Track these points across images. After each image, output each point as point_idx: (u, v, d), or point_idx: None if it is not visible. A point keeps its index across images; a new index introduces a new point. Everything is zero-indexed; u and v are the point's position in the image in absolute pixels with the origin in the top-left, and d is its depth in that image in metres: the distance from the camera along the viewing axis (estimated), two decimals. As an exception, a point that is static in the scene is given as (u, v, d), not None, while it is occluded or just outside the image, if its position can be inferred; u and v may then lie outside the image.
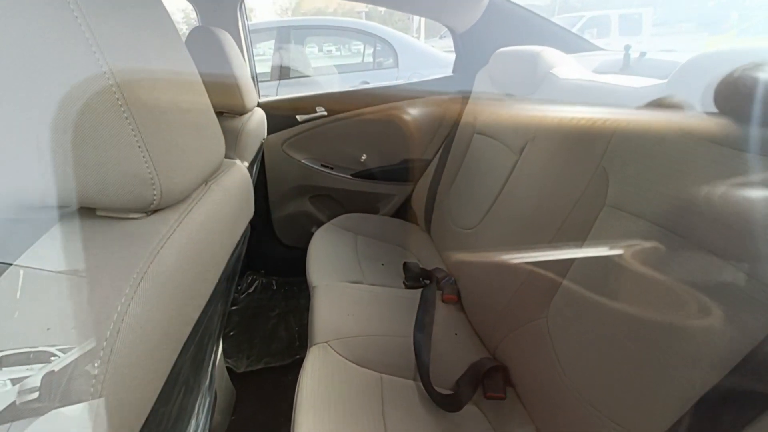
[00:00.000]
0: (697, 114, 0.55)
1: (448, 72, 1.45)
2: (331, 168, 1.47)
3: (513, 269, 0.80)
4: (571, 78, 0.89)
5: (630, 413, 0.53)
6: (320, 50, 4.63)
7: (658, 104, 0.62)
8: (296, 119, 1.38)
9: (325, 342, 0.83)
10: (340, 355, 0.81)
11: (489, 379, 0.78)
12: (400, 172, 1.48)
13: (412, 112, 1.40)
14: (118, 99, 0.26)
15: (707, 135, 0.52)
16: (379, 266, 1.17)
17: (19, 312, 0.26)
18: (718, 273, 0.47)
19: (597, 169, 0.67)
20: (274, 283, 1.58)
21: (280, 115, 1.36)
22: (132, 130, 0.27)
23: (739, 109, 0.49)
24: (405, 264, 1.14)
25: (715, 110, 0.52)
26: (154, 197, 0.30)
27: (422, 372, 0.78)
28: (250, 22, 1.40)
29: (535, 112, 0.94)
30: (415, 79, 1.48)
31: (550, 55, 0.96)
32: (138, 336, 0.26)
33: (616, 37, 4.61)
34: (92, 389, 0.23)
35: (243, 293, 1.53)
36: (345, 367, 0.79)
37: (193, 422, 0.54)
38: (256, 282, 1.57)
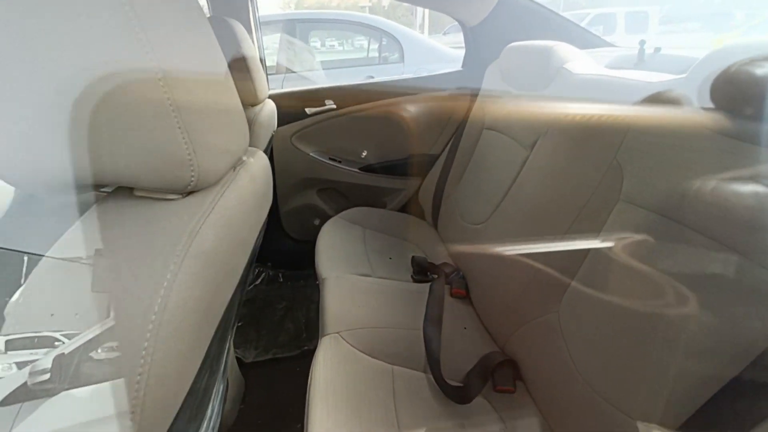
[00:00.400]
0: (714, 108, 0.55)
1: (456, 67, 1.45)
2: (339, 161, 1.47)
3: (523, 265, 0.80)
4: (586, 73, 0.89)
5: (647, 406, 0.53)
6: (323, 45, 4.59)
7: (675, 99, 0.62)
8: (305, 112, 1.38)
9: (337, 332, 0.84)
10: (351, 345, 0.82)
11: (498, 373, 0.79)
12: (408, 167, 1.48)
13: (421, 107, 1.40)
14: (160, 80, 0.27)
15: (725, 129, 0.52)
16: (387, 260, 1.17)
17: (67, 291, 0.26)
18: (736, 268, 0.47)
19: (611, 164, 0.67)
20: (280, 275, 1.59)
21: (289, 107, 1.36)
22: (173, 111, 0.28)
23: (743, 104, 0.50)
24: (413, 258, 1.15)
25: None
26: (192, 179, 0.31)
27: (433, 364, 0.78)
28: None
29: (547, 107, 0.94)
30: (422, 74, 1.47)
31: (563, 50, 0.96)
32: (183, 312, 0.26)
33: (622, 34, 4.58)
34: (142, 361, 0.23)
35: (250, 285, 1.54)
36: (356, 358, 0.79)
37: (210, 406, 0.54)
38: (263, 274, 1.58)
